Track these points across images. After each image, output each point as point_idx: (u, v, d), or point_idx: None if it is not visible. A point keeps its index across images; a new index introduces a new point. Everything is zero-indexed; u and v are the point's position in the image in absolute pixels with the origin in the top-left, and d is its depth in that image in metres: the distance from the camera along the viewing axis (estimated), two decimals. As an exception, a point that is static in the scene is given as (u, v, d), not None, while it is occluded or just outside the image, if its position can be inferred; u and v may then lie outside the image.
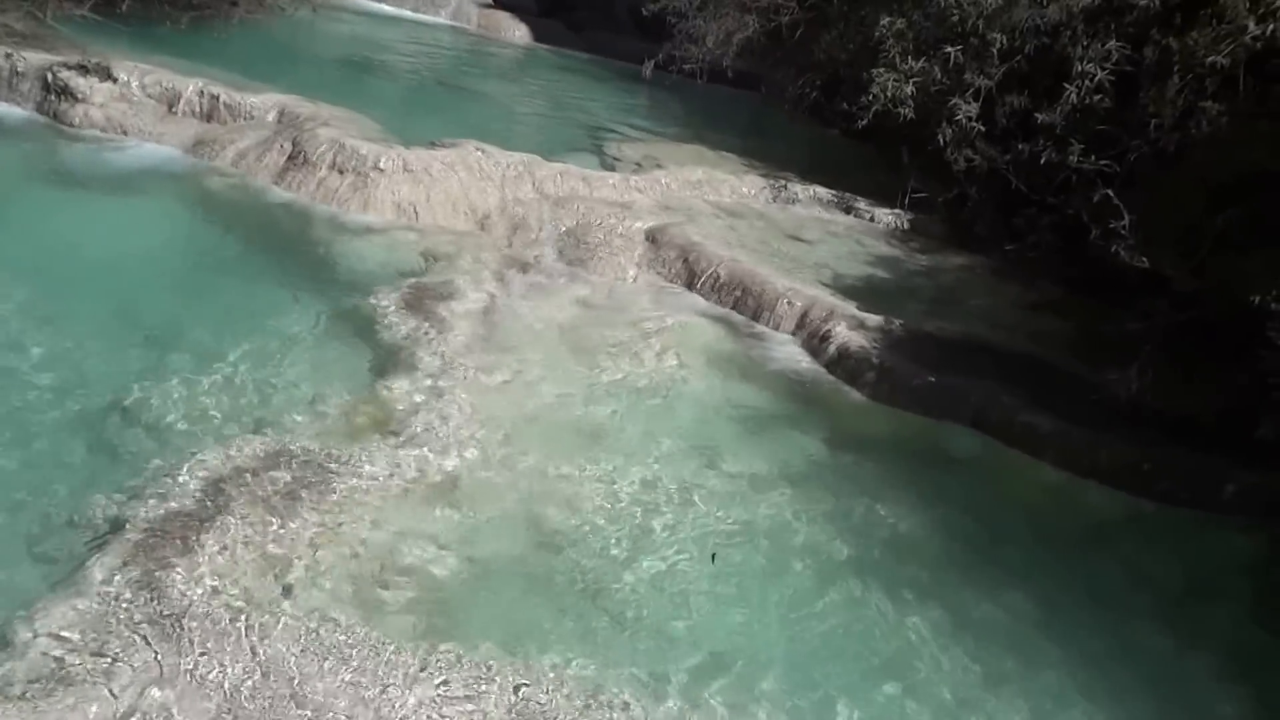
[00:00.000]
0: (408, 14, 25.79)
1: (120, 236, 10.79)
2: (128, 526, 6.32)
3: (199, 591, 5.95)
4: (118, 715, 5.08)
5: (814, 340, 11.48)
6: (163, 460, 7.11)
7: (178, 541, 6.26)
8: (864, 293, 12.34)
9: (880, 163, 16.78)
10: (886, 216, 15.66)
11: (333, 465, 7.42)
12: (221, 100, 13.39)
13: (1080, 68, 12.99)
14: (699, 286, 12.45)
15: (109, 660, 5.33)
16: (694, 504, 8.24)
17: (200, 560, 6.17)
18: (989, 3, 13.74)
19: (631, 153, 16.07)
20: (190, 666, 5.44)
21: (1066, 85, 13.06)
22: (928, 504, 8.96)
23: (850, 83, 16.51)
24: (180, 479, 6.86)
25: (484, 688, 5.90)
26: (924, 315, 12.12)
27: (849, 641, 7.16)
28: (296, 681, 5.57)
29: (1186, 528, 9.56)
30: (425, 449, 7.94)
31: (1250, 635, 8.31)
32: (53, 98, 13.06)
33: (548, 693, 6.01)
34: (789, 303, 11.85)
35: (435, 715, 5.63)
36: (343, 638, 5.96)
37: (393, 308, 9.98)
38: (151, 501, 6.59)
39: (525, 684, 6.02)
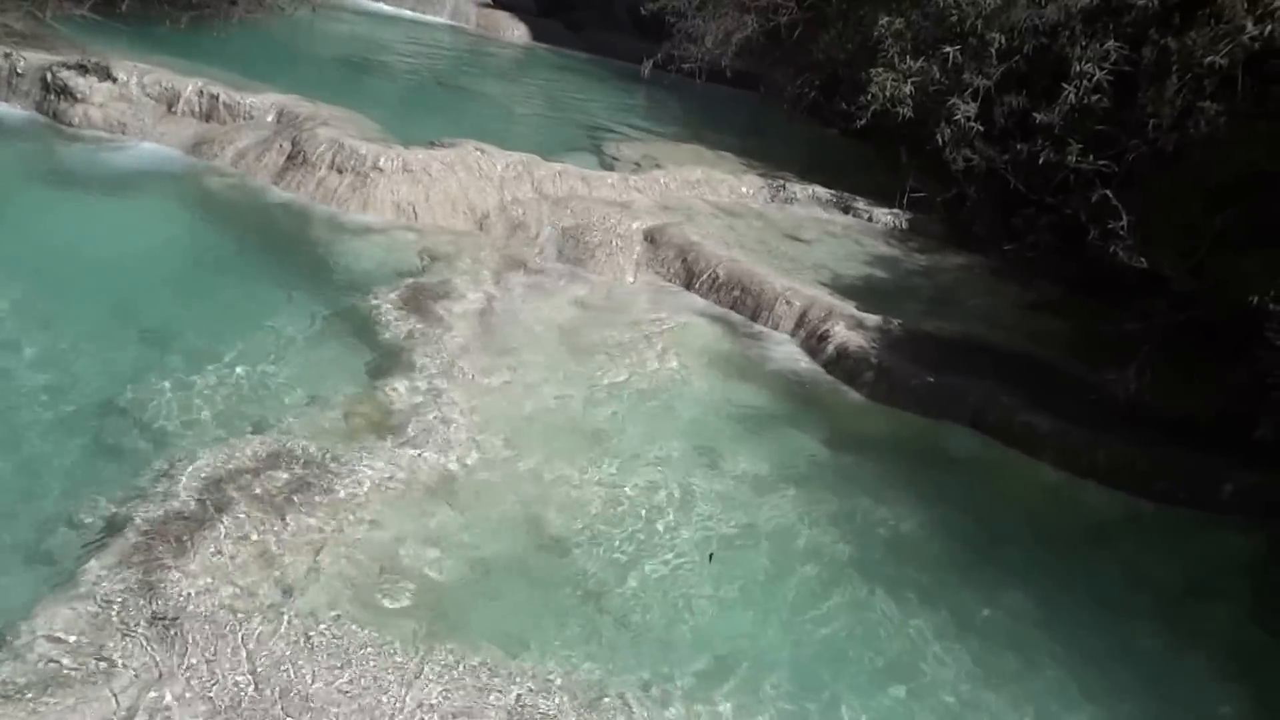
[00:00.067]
0: (407, 13, 25.75)
1: (120, 236, 10.78)
2: (127, 527, 6.32)
3: (198, 593, 5.95)
4: (117, 716, 5.08)
5: (812, 340, 11.48)
6: (162, 461, 7.12)
7: (177, 542, 6.27)
8: (863, 292, 12.35)
9: (879, 162, 16.78)
10: (885, 216, 15.65)
11: (332, 466, 7.42)
12: (221, 100, 13.38)
13: (1079, 68, 13.00)
14: (698, 286, 12.45)
15: (108, 661, 5.33)
16: (694, 504, 8.25)
17: (199, 561, 6.18)
18: (987, 3, 13.74)
19: (630, 152, 16.07)
20: (189, 668, 5.45)
21: (1065, 85, 13.07)
22: (927, 504, 8.97)
23: (849, 82, 16.51)
24: (179, 480, 6.86)
25: (484, 690, 5.90)
26: (923, 315, 12.13)
27: (851, 642, 7.16)
28: (296, 683, 5.57)
29: (1185, 528, 9.57)
30: (424, 449, 7.95)
31: (1249, 635, 8.32)
32: (52, 97, 13.05)
33: (549, 696, 6.01)
34: (787, 302, 11.85)
35: (435, 718, 5.63)
36: (342, 640, 5.96)
37: (392, 308, 9.99)
38: (150, 502, 6.60)
39: (526, 687, 6.02)
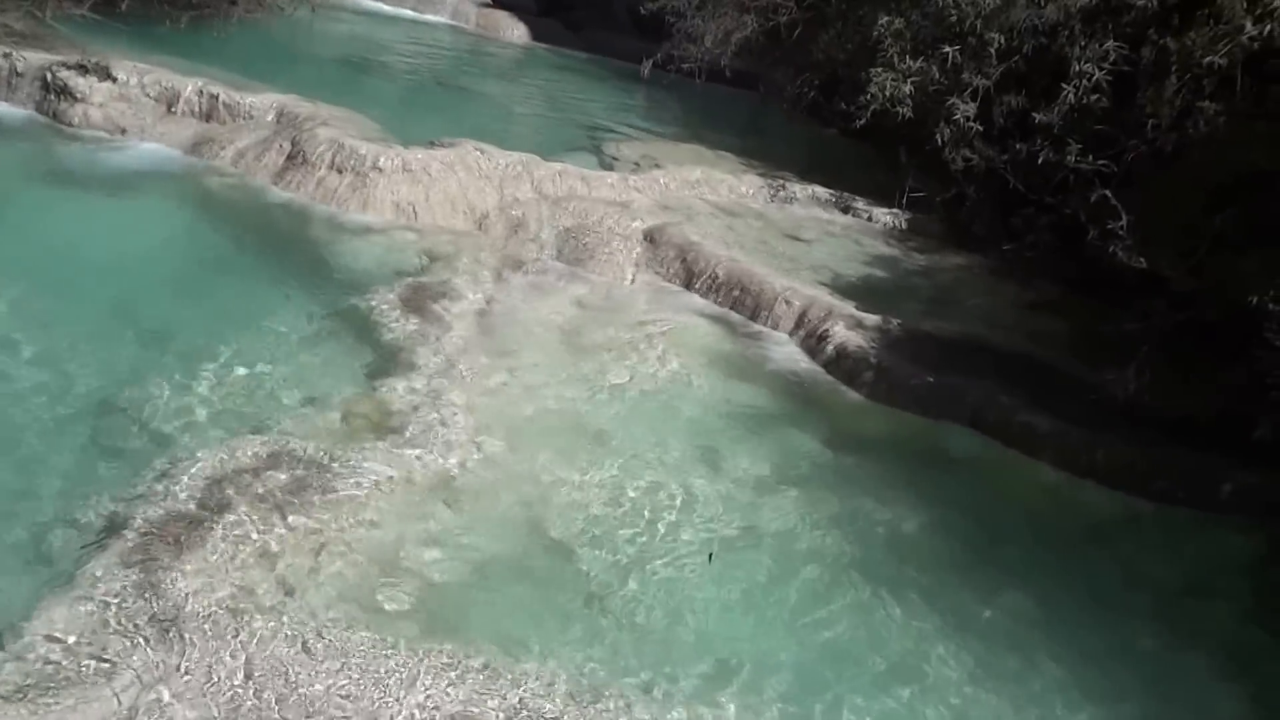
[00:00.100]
0: (406, 13, 25.77)
1: (119, 236, 10.79)
2: (127, 527, 6.32)
3: (198, 593, 5.95)
4: (117, 717, 5.09)
5: (812, 340, 11.49)
6: (161, 461, 7.12)
7: (176, 542, 6.27)
8: (862, 292, 12.36)
9: (878, 162, 16.78)
10: (884, 216, 15.66)
11: (331, 466, 7.41)
12: (221, 100, 13.39)
13: (1078, 68, 13.00)
14: (697, 286, 12.46)
15: (109, 661, 5.33)
16: (694, 505, 8.25)
17: (199, 561, 6.18)
18: (987, 2, 13.75)
19: (630, 152, 16.09)
20: (190, 668, 5.45)
21: (1064, 85, 13.07)
22: (927, 504, 8.97)
23: (848, 82, 16.51)
24: (179, 480, 6.86)
25: (484, 691, 5.90)
26: (922, 315, 12.13)
27: (853, 643, 7.16)
28: (296, 683, 5.57)
29: (1185, 527, 9.58)
30: (424, 449, 7.94)
31: (1249, 635, 8.31)
32: (52, 97, 13.05)
33: (550, 697, 6.01)
34: (787, 302, 11.86)
35: (434, 718, 5.64)
36: (342, 640, 5.96)
37: (391, 308, 9.99)
38: (150, 502, 6.60)
39: (527, 688, 6.02)
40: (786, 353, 11.45)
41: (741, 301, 12.14)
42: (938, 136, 14.38)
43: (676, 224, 13.22)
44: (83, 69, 13.07)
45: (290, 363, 8.85)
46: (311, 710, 5.45)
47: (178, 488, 6.78)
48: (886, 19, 14.89)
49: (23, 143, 12.34)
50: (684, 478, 8.59)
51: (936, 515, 8.88)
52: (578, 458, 8.52)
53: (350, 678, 5.71)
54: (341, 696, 5.57)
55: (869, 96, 14.64)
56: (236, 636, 5.73)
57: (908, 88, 14.38)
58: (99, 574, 5.90)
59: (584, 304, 11.52)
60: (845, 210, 15.70)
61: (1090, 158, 12.58)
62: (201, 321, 9.16)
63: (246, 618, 5.89)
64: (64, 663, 5.28)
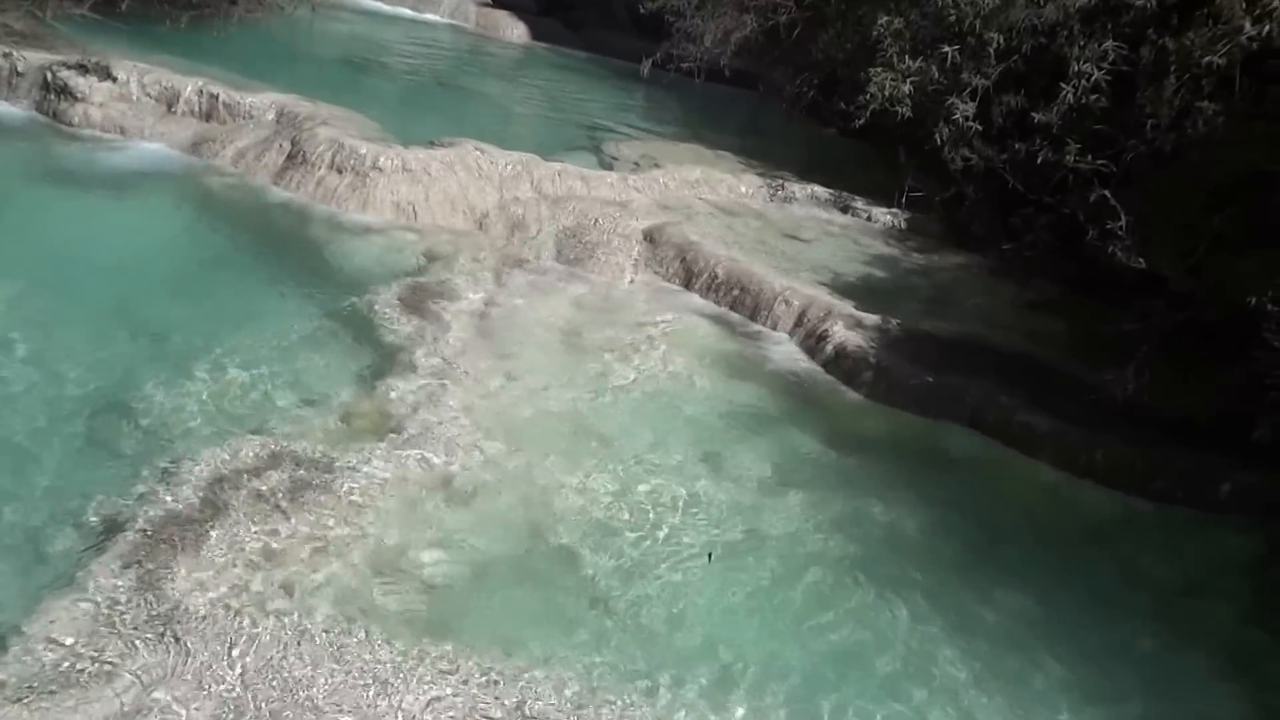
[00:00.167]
0: (406, 13, 25.79)
1: (119, 236, 10.80)
2: (127, 528, 6.35)
3: (198, 593, 5.97)
4: (118, 717, 5.10)
5: (811, 340, 11.50)
6: (161, 461, 7.13)
7: (177, 543, 6.29)
8: (861, 292, 12.36)
9: (877, 162, 16.79)
10: (884, 215, 15.67)
11: (332, 465, 7.44)
12: (220, 99, 13.41)
13: (1077, 67, 13.00)
14: (696, 286, 12.47)
15: (109, 662, 5.36)
16: (693, 505, 8.26)
17: (199, 562, 6.20)
18: (986, 2, 13.75)
19: (629, 152, 16.11)
20: (190, 668, 5.47)
21: (1063, 85, 13.07)
22: (927, 504, 8.98)
23: (848, 82, 16.51)
24: (179, 480, 6.89)
25: (484, 691, 5.91)
26: (921, 314, 12.14)
27: (854, 644, 7.17)
28: (296, 683, 5.59)
29: (1184, 527, 9.58)
30: (424, 450, 7.96)
31: (1247, 634, 8.31)
32: (52, 97, 13.08)
33: (550, 698, 6.02)
34: (786, 302, 11.87)
35: (434, 717, 5.65)
36: (342, 640, 5.98)
37: (391, 308, 10.01)
38: (150, 503, 6.63)
39: (527, 689, 6.03)
40: (786, 352, 11.46)
41: (741, 301, 12.15)
42: (937, 136, 14.39)
43: (676, 224, 13.23)
44: (83, 69, 13.10)
45: (290, 363, 8.85)
46: (311, 710, 5.47)
47: (178, 488, 6.80)
48: (886, 19, 14.90)
49: (23, 142, 12.36)
50: (684, 478, 8.59)
51: (936, 515, 8.89)
52: (578, 458, 8.52)
53: (350, 679, 5.72)
54: (341, 698, 5.58)
55: (868, 96, 14.64)
56: (236, 638, 5.74)
57: (907, 87, 14.39)
58: (99, 575, 5.93)
59: (583, 304, 11.52)
60: (844, 210, 15.71)
61: (1089, 157, 12.58)
62: (201, 321, 9.16)
63: (246, 619, 5.90)
64: (64, 664, 5.30)
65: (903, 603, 7.66)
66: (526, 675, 6.13)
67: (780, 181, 15.72)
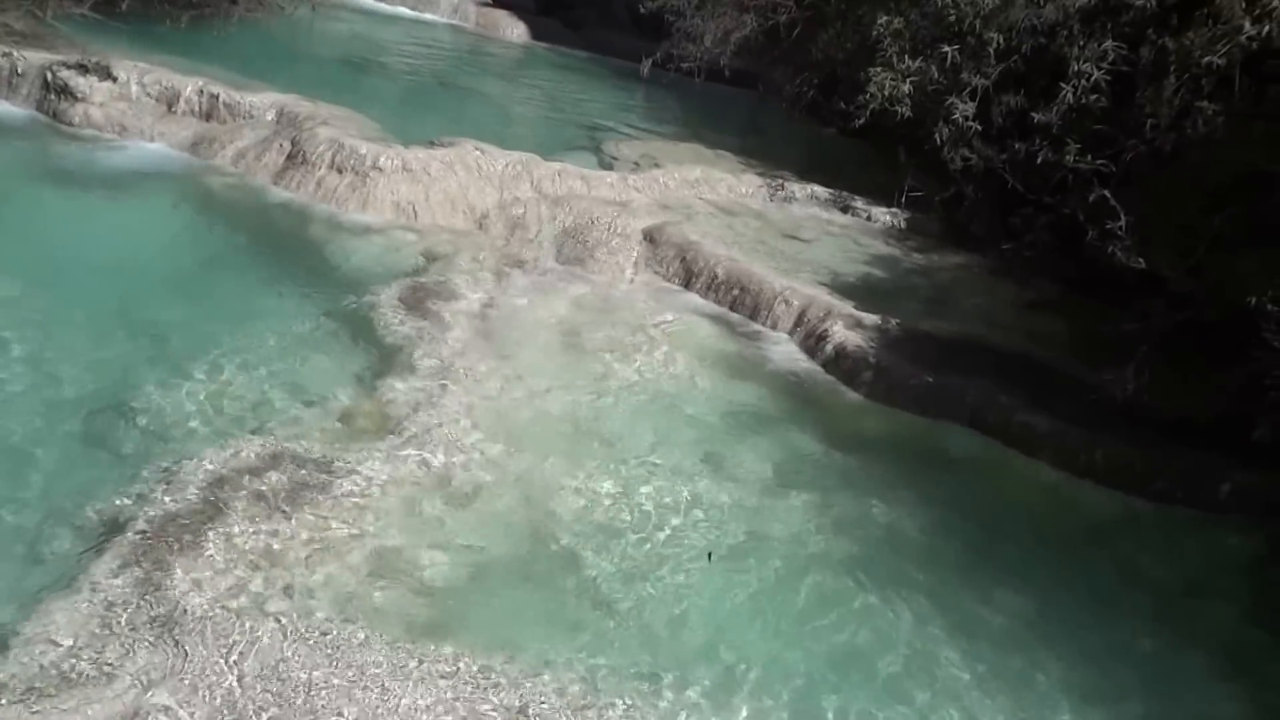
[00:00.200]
0: (406, 12, 25.84)
1: (119, 236, 10.80)
2: (128, 528, 6.35)
3: (199, 593, 5.97)
4: (118, 718, 5.10)
5: (811, 340, 11.51)
6: (161, 462, 7.14)
7: (177, 543, 6.29)
8: (861, 292, 12.37)
9: (877, 162, 16.81)
10: (883, 215, 15.69)
11: (332, 466, 7.44)
12: (221, 99, 13.42)
13: (1077, 67, 13.01)
14: (696, 286, 12.48)
15: (109, 662, 5.36)
16: (693, 505, 8.26)
17: (200, 562, 6.20)
18: (986, 2, 13.77)
19: (629, 151, 16.12)
20: (190, 668, 5.46)
21: (1063, 85, 13.08)
22: (927, 504, 8.99)
23: (847, 82, 16.54)
24: (179, 480, 6.89)
25: (485, 694, 5.91)
26: (921, 314, 12.15)
27: (855, 643, 7.18)
28: (296, 683, 5.59)
29: (1184, 527, 9.59)
30: (424, 450, 7.96)
31: (1247, 634, 8.33)
32: (52, 97, 13.08)
33: (551, 699, 6.02)
34: (786, 302, 11.88)
35: (434, 717, 5.65)
36: (342, 640, 5.98)
37: (391, 308, 10.01)
38: (150, 503, 6.62)
39: (528, 690, 6.03)
40: (785, 352, 11.47)
41: (741, 301, 12.16)
42: (936, 136, 14.40)
43: (676, 223, 13.23)
44: (83, 69, 13.10)
45: (290, 363, 8.86)
46: (312, 710, 5.47)
47: (177, 489, 6.80)
48: (886, 18, 14.91)
49: (23, 142, 12.36)
50: (685, 478, 8.60)
51: (936, 515, 8.90)
52: (578, 458, 8.53)
53: (350, 681, 5.72)
54: (341, 700, 5.58)
55: (868, 96, 14.65)
56: (235, 639, 5.74)
57: (907, 87, 14.39)
58: (99, 576, 5.93)
59: (583, 303, 11.52)
60: (844, 209, 15.73)
61: (1089, 157, 12.58)
62: (201, 321, 9.17)
63: (246, 619, 5.90)
64: (64, 665, 5.30)
65: (904, 603, 7.67)
66: (528, 677, 6.13)
67: (780, 181, 15.74)
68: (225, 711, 5.30)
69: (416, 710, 5.65)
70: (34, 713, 4.95)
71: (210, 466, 7.10)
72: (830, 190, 15.89)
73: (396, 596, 6.49)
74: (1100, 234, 12.08)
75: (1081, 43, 13.15)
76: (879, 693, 6.77)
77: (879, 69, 14.63)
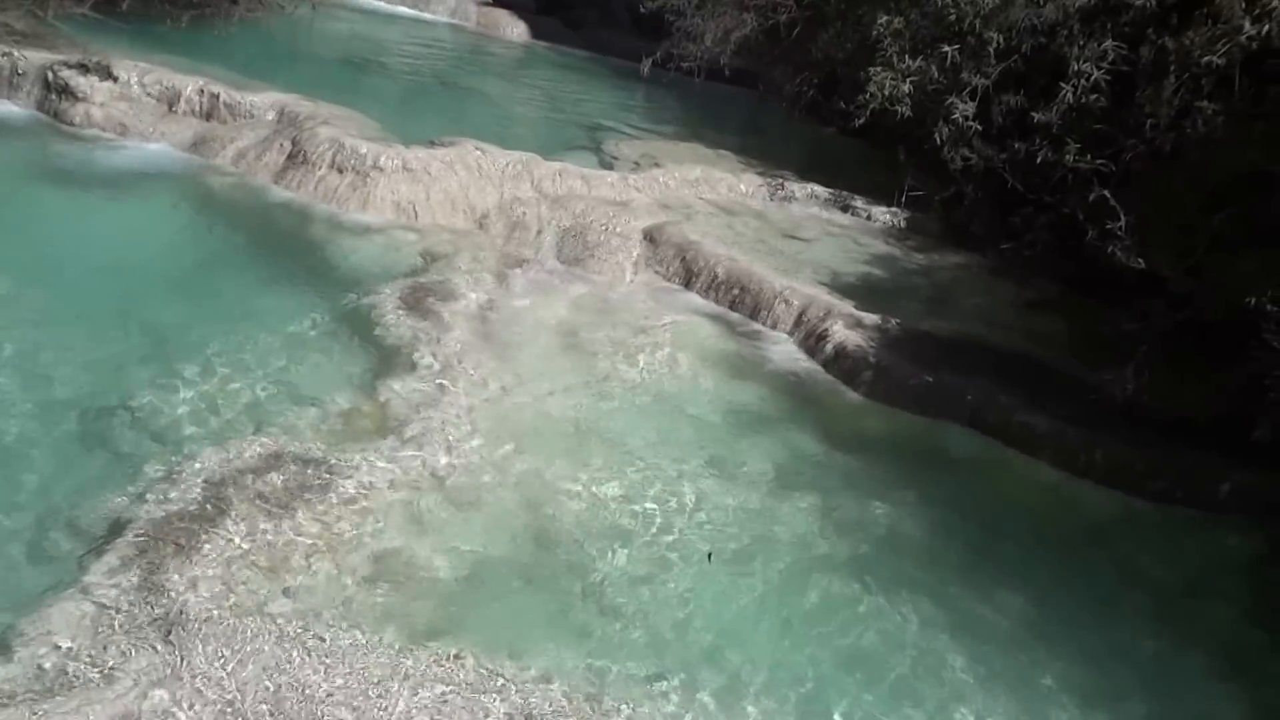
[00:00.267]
0: (407, 11, 25.83)
1: (119, 236, 10.81)
2: (128, 529, 6.35)
3: (199, 594, 5.98)
4: (119, 719, 5.11)
5: (811, 339, 11.51)
6: (162, 462, 7.14)
7: (178, 544, 6.29)
8: (861, 291, 12.37)
9: (877, 161, 16.81)
10: (883, 215, 15.70)
11: (332, 467, 7.43)
12: (221, 99, 13.42)
13: (1076, 67, 13.03)
14: (697, 285, 12.49)
15: (110, 664, 5.36)
16: (693, 505, 8.27)
17: (200, 563, 6.20)
18: (986, 2, 13.77)
19: (629, 151, 16.12)
20: (191, 669, 5.47)
21: (1063, 85, 13.09)
22: (926, 504, 9.00)
23: (847, 81, 16.54)
24: (180, 481, 6.89)
25: (487, 696, 5.91)
26: (921, 314, 12.16)
27: (856, 644, 7.18)
28: (296, 684, 5.59)
29: (1183, 527, 9.60)
30: (424, 450, 7.96)
31: (1247, 634, 8.34)
32: (53, 96, 13.09)
33: (552, 699, 6.03)
34: (786, 301, 11.89)
35: (435, 717, 5.66)
36: (342, 640, 5.98)
37: (392, 308, 10.01)
38: (151, 504, 6.62)
39: (528, 690, 6.04)
40: (785, 352, 11.47)
41: (741, 300, 12.17)
42: (936, 136, 14.41)
43: (676, 223, 13.24)
44: (84, 68, 13.11)
45: (290, 363, 8.86)
46: (312, 710, 5.47)
47: (178, 489, 6.81)
48: (886, 18, 14.91)
49: (24, 142, 12.37)
50: (684, 478, 8.60)
51: (937, 515, 8.91)
52: (579, 458, 8.53)
53: (351, 679, 5.72)
54: (342, 698, 5.59)
55: (868, 95, 14.65)
56: (236, 639, 5.74)
57: (907, 87, 14.39)
58: (99, 577, 5.93)
59: (584, 303, 11.53)
60: (844, 209, 15.73)
61: (1089, 157, 12.60)
62: (201, 321, 9.17)
63: (246, 621, 5.90)
64: (65, 666, 5.31)
65: (906, 604, 7.67)
66: (531, 680, 6.13)
67: (780, 181, 15.74)
68: (225, 713, 5.30)
69: (418, 709, 5.66)
70: (34, 714, 4.95)
71: (210, 467, 7.10)
72: (830, 190, 15.89)
73: (397, 598, 6.49)
74: (1100, 234, 12.10)
75: (1081, 42, 13.16)
76: (884, 694, 6.78)
77: (879, 68, 14.62)
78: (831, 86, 17.71)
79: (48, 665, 5.30)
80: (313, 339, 9.38)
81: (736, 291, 12.23)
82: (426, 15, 26.05)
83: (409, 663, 5.97)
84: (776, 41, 18.96)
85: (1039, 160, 13.21)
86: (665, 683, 6.41)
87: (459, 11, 26.59)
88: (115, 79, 13.15)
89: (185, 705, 5.26)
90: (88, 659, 5.38)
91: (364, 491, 7.29)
